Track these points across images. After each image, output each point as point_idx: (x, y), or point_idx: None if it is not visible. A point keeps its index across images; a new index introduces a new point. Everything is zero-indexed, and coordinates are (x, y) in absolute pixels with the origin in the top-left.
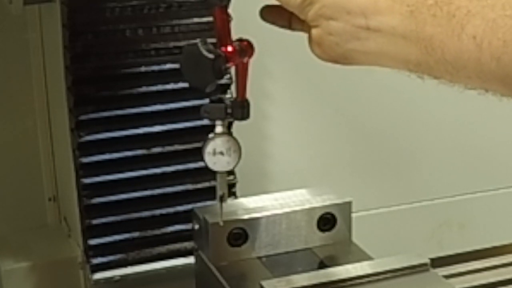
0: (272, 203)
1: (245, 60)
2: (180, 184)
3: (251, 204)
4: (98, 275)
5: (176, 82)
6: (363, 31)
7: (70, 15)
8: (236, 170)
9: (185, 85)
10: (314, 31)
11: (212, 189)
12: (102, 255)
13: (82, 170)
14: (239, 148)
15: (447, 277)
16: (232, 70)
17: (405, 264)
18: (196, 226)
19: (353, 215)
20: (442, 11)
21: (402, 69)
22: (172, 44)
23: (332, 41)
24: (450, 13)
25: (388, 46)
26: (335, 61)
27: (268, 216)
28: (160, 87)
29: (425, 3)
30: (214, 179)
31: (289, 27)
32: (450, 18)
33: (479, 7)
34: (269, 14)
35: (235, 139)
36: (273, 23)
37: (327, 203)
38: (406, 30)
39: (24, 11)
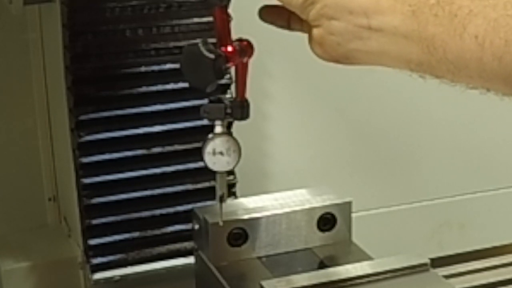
0: (272, 203)
1: (245, 60)
2: (180, 184)
3: (251, 204)
4: (98, 275)
5: (176, 82)
6: (365, 30)
7: (70, 15)
8: (236, 170)
9: (185, 85)
10: (315, 31)
11: (212, 189)
12: (102, 255)
13: (82, 170)
14: (239, 148)
15: (447, 277)
16: (232, 70)
17: (405, 264)
18: (196, 226)
19: (353, 215)
20: (444, 11)
21: (403, 69)
22: (172, 44)
23: (333, 41)
24: (452, 12)
25: (389, 45)
26: (337, 61)
27: (268, 216)
28: (160, 87)
29: (427, 3)
30: (214, 179)
31: (288, 27)
32: (452, 18)
33: (481, 6)
34: (268, 14)
35: (234, 139)
36: (271, 23)
37: (327, 203)
38: (408, 29)
39: (24, 11)
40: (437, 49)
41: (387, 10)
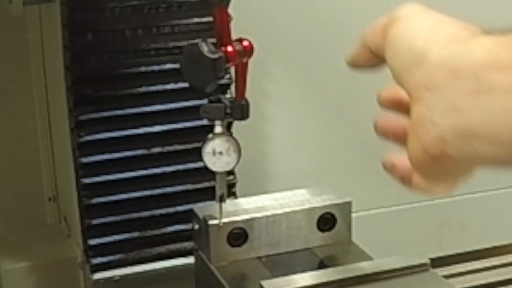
0: (272, 203)
1: (244, 60)
2: (180, 184)
3: (251, 204)
4: (98, 275)
5: (176, 82)
6: (467, 97)
7: (70, 15)
8: (236, 170)
9: (185, 85)
10: (414, 110)
11: (212, 189)
12: (102, 255)
13: (82, 170)
14: (239, 148)
15: (447, 277)
16: (232, 70)
17: (405, 264)
18: (196, 226)
19: (353, 215)
20: None
21: None
22: (172, 44)
23: (428, 119)
24: None
25: (498, 114)
26: (434, 158)
27: (268, 216)
28: (160, 87)
29: None
30: (214, 179)
31: None
32: None
33: None
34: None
35: (234, 139)
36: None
37: (327, 203)
38: None
39: (24, 11)
40: None
41: (508, 67)
